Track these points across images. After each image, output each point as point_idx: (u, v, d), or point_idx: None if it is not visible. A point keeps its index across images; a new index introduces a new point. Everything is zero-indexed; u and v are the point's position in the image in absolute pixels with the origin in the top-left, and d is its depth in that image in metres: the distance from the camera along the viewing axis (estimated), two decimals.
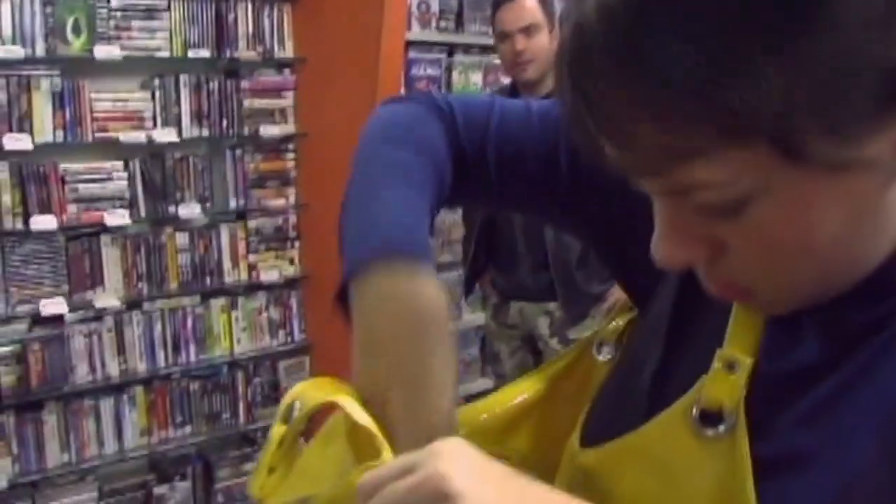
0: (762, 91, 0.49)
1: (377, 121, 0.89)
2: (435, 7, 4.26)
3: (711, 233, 0.58)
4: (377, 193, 0.78)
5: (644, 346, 0.78)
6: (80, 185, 3.55)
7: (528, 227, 3.17)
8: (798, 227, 0.56)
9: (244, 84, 3.93)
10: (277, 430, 0.71)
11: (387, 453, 0.63)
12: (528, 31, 3.10)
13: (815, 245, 0.56)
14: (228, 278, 3.98)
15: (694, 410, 0.65)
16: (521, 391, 0.93)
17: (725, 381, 0.64)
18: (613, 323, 0.90)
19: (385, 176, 0.80)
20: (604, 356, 0.89)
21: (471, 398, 0.95)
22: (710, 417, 0.64)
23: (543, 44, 3.11)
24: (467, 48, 4.45)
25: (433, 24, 4.27)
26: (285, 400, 0.70)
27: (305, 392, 0.70)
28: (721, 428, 0.63)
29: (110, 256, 3.67)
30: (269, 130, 3.98)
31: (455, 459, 0.54)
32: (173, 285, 3.84)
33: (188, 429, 3.89)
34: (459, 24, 4.39)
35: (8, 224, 3.39)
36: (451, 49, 4.38)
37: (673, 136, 0.52)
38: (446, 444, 0.56)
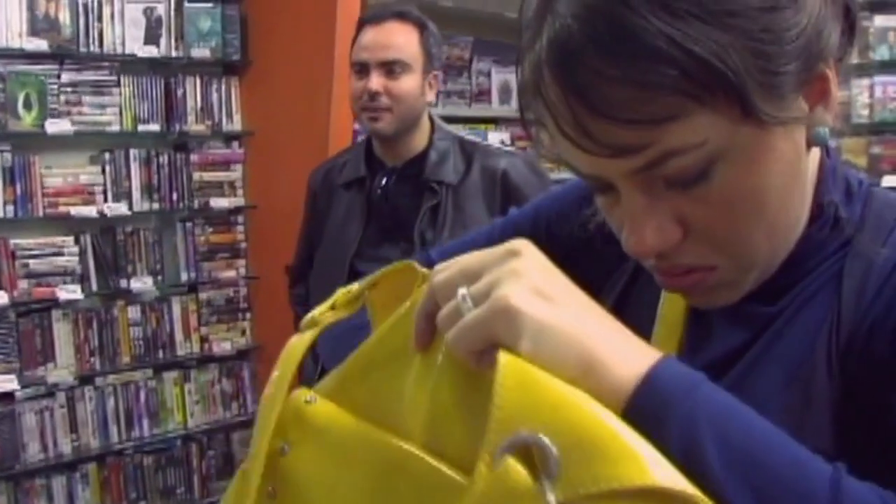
0: (721, 52, 0.59)
1: None
2: None
3: (679, 211, 0.65)
4: None
5: None
6: (31, 261, 3.54)
7: None
8: (755, 182, 0.64)
9: (193, 157, 3.98)
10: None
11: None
12: (393, 67, 2.34)
13: (768, 202, 0.66)
14: (181, 351, 3.97)
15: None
16: None
17: None
18: None
19: None
20: None
21: None
22: None
23: (409, 90, 2.35)
24: None
25: None
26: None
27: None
28: None
29: (62, 331, 3.64)
30: (218, 203, 4.01)
31: (525, 262, 0.57)
32: (125, 359, 3.81)
33: None
34: None
35: None
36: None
37: (656, 105, 0.60)
38: (520, 243, 0.59)
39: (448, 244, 1.09)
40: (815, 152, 0.72)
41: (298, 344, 0.70)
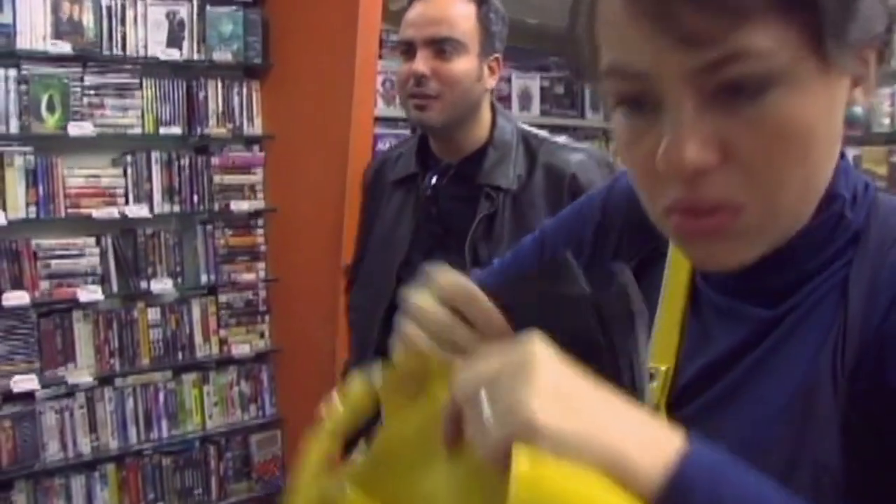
0: None
1: None
2: None
3: (724, 133, 0.63)
4: None
5: None
6: (53, 261, 3.56)
7: None
8: (805, 120, 0.63)
9: (214, 160, 4.00)
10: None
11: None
12: (443, 47, 1.99)
13: (811, 147, 0.65)
14: (200, 353, 3.99)
15: None
16: None
17: (653, 389, 0.76)
18: None
19: None
20: None
21: None
22: None
23: (462, 73, 2.01)
24: None
25: (398, 100, 4.37)
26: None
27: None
28: None
29: (82, 332, 3.66)
30: (239, 206, 4.03)
31: (536, 379, 0.56)
32: (145, 361, 3.83)
33: None
34: None
35: None
36: (414, 128, 4.47)
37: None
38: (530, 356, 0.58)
39: (495, 265, 1.06)
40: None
41: (316, 449, 0.70)
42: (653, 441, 0.54)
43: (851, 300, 0.68)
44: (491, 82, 2.08)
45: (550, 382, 0.55)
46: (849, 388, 0.66)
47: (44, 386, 3.53)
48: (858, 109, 0.70)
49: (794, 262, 0.71)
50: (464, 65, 2.00)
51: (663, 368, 0.77)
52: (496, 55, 2.08)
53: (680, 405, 0.76)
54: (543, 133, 2.19)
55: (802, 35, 0.61)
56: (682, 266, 0.82)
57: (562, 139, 2.18)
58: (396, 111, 4.36)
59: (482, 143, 2.07)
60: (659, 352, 0.79)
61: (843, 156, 0.73)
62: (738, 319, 0.74)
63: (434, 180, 2.09)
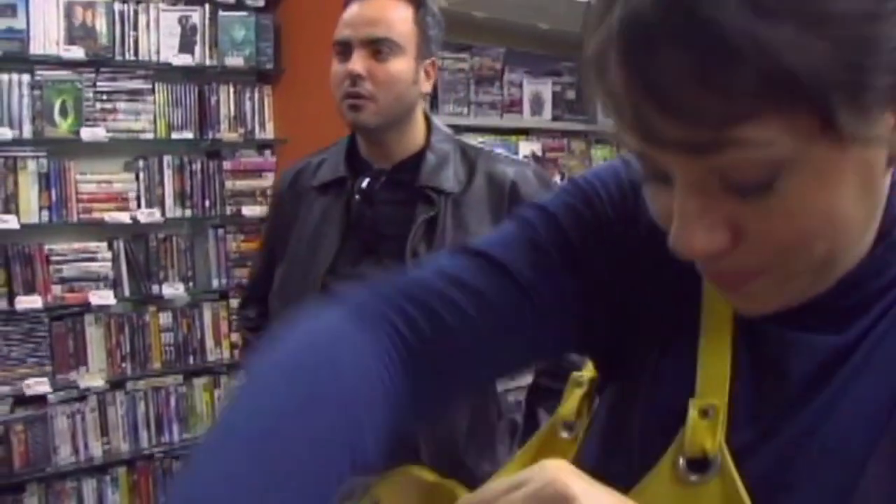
0: (810, 62, 0.54)
1: None
2: None
3: (735, 217, 0.60)
4: None
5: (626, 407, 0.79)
6: (65, 266, 3.58)
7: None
8: (823, 199, 0.58)
9: (226, 165, 4.01)
10: None
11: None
12: (380, 48, 1.96)
13: (834, 220, 0.59)
14: (211, 357, 3.99)
15: (680, 461, 0.67)
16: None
17: (704, 428, 0.68)
18: (567, 404, 0.90)
19: None
20: (569, 434, 0.89)
21: None
22: (696, 464, 0.67)
23: (398, 75, 1.96)
24: None
25: None
26: None
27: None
28: (709, 472, 0.66)
29: (94, 336, 3.68)
30: (250, 210, 4.04)
31: (565, 469, 0.57)
32: (156, 365, 3.85)
33: None
34: (434, 105, 4.51)
35: None
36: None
37: (727, 106, 0.54)
38: (551, 461, 0.58)
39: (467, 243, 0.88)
40: None
41: None
42: None
43: None
44: (426, 86, 2.05)
45: (579, 474, 0.53)
46: None
47: (56, 389, 3.55)
48: None
49: (856, 285, 0.66)
50: (400, 66, 1.96)
51: (721, 404, 0.68)
52: (432, 59, 2.04)
53: (747, 452, 0.67)
54: (479, 144, 2.22)
55: (809, 123, 0.55)
56: None
57: (498, 151, 2.17)
58: None
59: (417, 148, 2.03)
60: (708, 383, 0.70)
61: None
62: (802, 348, 0.67)
63: (366, 184, 2.01)
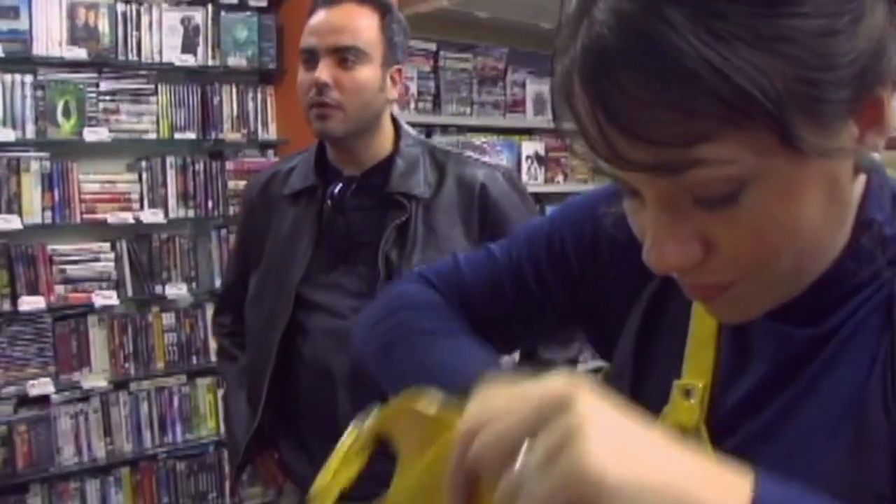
0: (764, 81, 0.55)
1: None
2: (413, 89, 4.39)
3: (704, 230, 0.62)
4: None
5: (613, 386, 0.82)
6: (68, 266, 3.59)
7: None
8: (787, 210, 0.60)
9: (229, 165, 4.01)
10: (350, 433, 0.69)
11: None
12: (345, 56, 1.94)
13: (800, 229, 0.61)
14: (214, 357, 3.97)
15: None
16: None
17: (684, 407, 0.74)
18: None
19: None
20: None
21: None
22: None
23: (364, 83, 1.96)
24: (445, 128, 4.57)
25: (412, 105, 4.39)
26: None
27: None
28: None
29: (97, 337, 3.68)
30: None
31: (575, 383, 0.54)
32: (159, 365, 3.85)
33: None
34: (437, 105, 4.51)
35: None
36: (429, 130, 4.49)
37: (687, 127, 0.56)
38: (563, 376, 0.55)
39: (440, 265, 1.02)
40: None
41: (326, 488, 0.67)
42: (726, 483, 0.51)
43: None
44: (393, 93, 2.05)
45: (605, 433, 0.51)
46: None
47: (59, 390, 3.55)
48: (874, 156, 0.64)
49: (834, 282, 0.68)
50: (366, 74, 1.96)
51: (700, 385, 0.73)
52: (398, 66, 2.05)
53: (725, 432, 0.72)
54: (447, 147, 2.27)
55: (769, 138, 0.57)
56: None
57: (468, 153, 2.20)
58: (410, 116, 4.36)
59: (386, 154, 2.04)
60: (693, 367, 0.75)
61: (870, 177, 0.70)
62: (782, 340, 0.70)
63: (337, 191, 2.01)
